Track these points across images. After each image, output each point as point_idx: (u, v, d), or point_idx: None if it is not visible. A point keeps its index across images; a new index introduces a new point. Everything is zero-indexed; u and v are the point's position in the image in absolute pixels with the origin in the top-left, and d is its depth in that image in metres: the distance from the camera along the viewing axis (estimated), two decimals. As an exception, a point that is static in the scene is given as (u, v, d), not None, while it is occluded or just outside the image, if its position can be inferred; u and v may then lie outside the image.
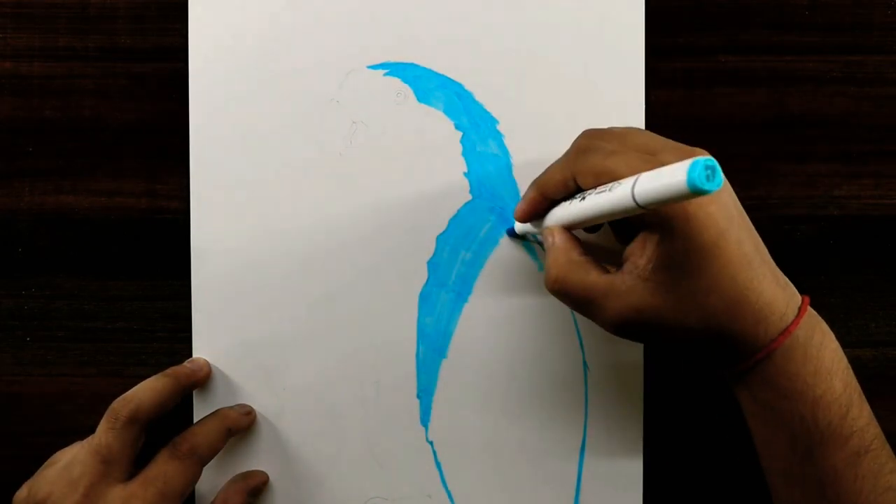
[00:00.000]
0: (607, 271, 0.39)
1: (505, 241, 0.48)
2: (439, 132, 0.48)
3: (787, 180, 0.49)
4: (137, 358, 0.49)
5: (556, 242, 0.40)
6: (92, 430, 0.44)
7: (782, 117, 0.48)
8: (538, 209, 0.42)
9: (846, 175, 0.49)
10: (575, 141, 0.41)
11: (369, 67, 0.48)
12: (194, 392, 0.49)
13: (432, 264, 0.48)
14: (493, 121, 0.48)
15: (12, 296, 0.49)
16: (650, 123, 0.48)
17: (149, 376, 0.49)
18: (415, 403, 0.49)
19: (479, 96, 0.48)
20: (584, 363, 0.48)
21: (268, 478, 0.49)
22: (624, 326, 0.38)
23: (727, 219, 0.37)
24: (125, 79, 0.49)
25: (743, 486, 0.49)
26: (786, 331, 0.38)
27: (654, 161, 0.37)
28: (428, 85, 0.48)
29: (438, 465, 0.49)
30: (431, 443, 0.49)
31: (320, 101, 0.48)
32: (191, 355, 0.49)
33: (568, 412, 0.48)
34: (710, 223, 0.37)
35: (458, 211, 0.48)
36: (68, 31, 0.48)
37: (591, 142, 0.40)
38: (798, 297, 0.40)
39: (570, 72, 0.48)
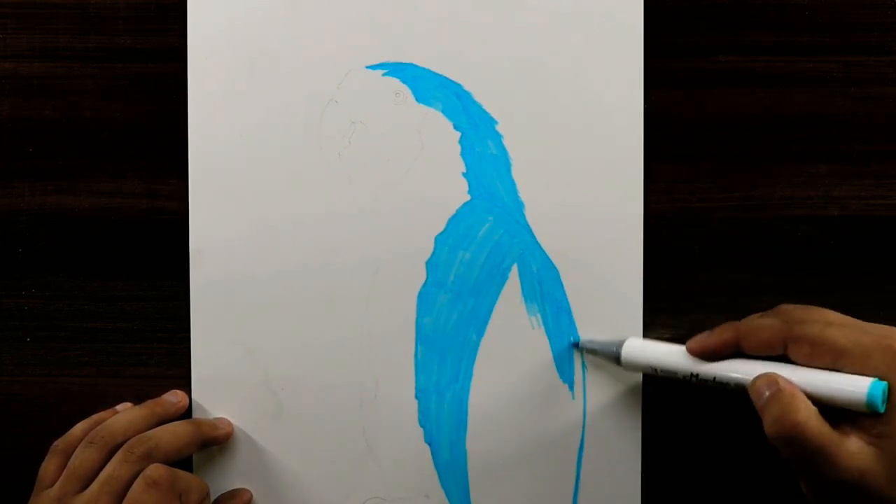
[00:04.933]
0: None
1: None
2: (438, 132, 0.48)
3: (787, 180, 0.49)
4: (137, 358, 0.49)
5: (792, 389, 0.39)
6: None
7: (782, 117, 0.48)
8: (723, 351, 0.42)
9: (846, 175, 0.48)
10: (777, 308, 0.42)
11: (368, 67, 0.48)
12: (193, 398, 0.49)
13: (431, 264, 0.48)
14: (492, 121, 0.48)
15: (12, 296, 0.49)
16: (650, 123, 0.48)
17: (148, 376, 0.49)
18: (413, 404, 0.49)
19: (478, 96, 0.48)
20: (584, 364, 0.48)
21: (251, 496, 0.49)
22: (846, 486, 0.38)
23: None
24: (125, 79, 0.49)
25: (742, 485, 0.49)
26: None
27: (869, 334, 0.39)
28: (427, 85, 0.48)
29: (436, 465, 0.49)
30: (429, 443, 0.49)
31: (319, 101, 0.48)
32: (190, 356, 0.49)
33: (568, 412, 0.48)
34: None
35: (457, 211, 0.48)
36: (68, 31, 0.49)
37: (803, 313, 0.41)
38: None
39: (569, 72, 0.48)
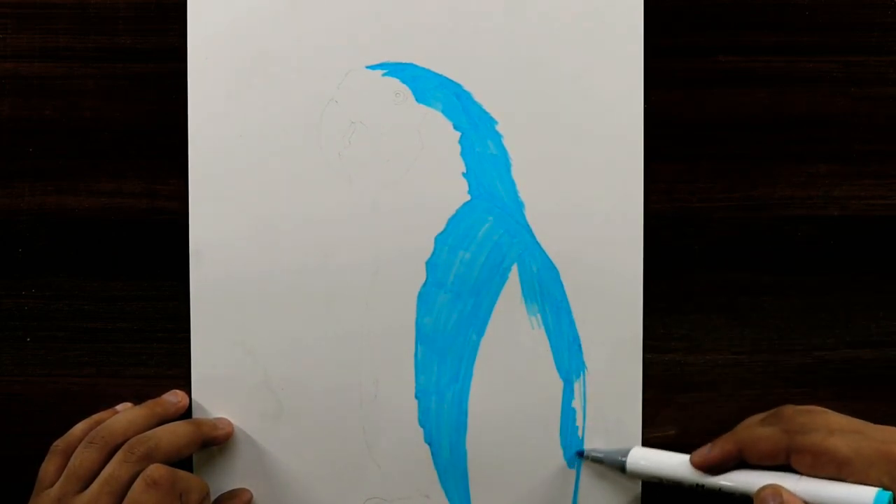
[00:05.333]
0: None
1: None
2: (438, 132, 0.48)
3: (787, 180, 0.49)
4: (137, 358, 0.49)
5: (795, 502, 0.40)
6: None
7: (782, 117, 0.48)
8: (727, 463, 0.43)
9: (846, 175, 0.48)
10: (777, 413, 0.43)
11: (368, 67, 0.48)
12: (193, 398, 0.49)
13: (431, 264, 0.48)
14: (492, 121, 0.48)
15: (12, 296, 0.49)
16: (650, 124, 0.48)
17: (148, 376, 0.49)
18: (413, 404, 0.49)
19: (478, 96, 0.48)
20: (583, 364, 0.48)
21: (251, 496, 0.49)
22: None
23: None
24: (125, 79, 0.49)
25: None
26: None
27: (870, 440, 0.39)
28: (427, 85, 0.48)
29: (436, 465, 0.49)
30: (430, 443, 0.49)
31: (319, 101, 0.48)
32: (190, 356, 0.49)
33: (566, 413, 0.48)
34: None
35: (457, 211, 0.48)
36: (68, 31, 0.49)
37: (805, 419, 0.41)
38: None
39: (568, 72, 0.48)
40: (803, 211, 0.49)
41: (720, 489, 0.43)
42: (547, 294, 0.48)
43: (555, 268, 0.48)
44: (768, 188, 0.49)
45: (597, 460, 0.48)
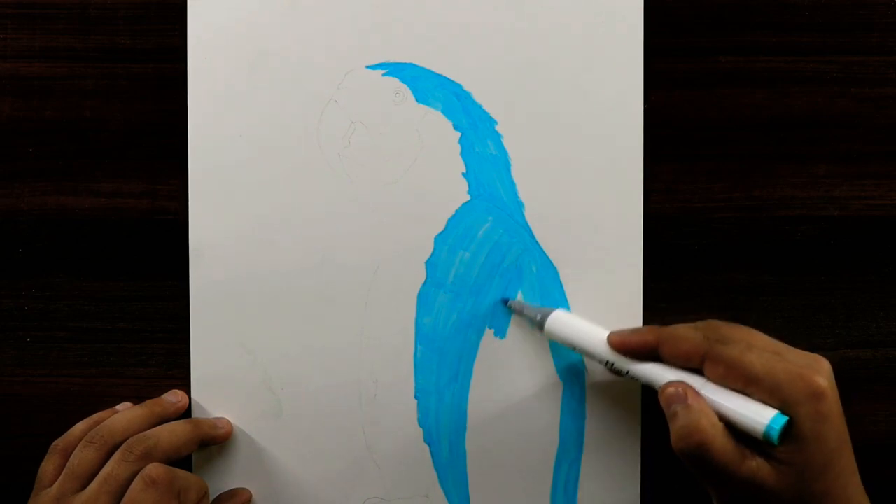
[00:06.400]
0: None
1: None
2: (438, 132, 0.48)
3: (787, 180, 0.49)
4: (137, 358, 0.49)
5: (700, 406, 0.40)
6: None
7: (782, 117, 0.48)
8: (642, 352, 0.43)
9: (846, 175, 0.48)
10: (706, 322, 0.43)
11: (368, 67, 0.48)
12: (193, 398, 0.49)
13: (430, 264, 0.48)
14: (492, 121, 0.48)
15: (12, 296, 0.49)
16: (650, 124, 0.48)
17: (148, 376, 0.49)
18: (413, 404, 0.49)
19: (478, 96, 0.48)
20: (583, 364, 0.48)
21: (250, 496, 0.49)
22: (745, 499, 0.39)
23: (845, 427, 0.39)
24: (125, 79, 0.49)
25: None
26: None
27: (786, 362, 0.39)
28: (427, 85, 0.48)
29: (436, 465, 0.49)
30: (429, 443, 0.49)
31: (319, 101, 0.48)
32: (190, 356, 0.49)
33: (566, 413, 0.48)
34: (840, 428, 0.39)
35: (457, 211, 0.48)
36: (68, 31, 0.49)
37: (728, 332, 0.41)
38: None
39: (569, 72, 0.48)
40: (803, 211, 0.49)
41: (627, 372, 0.43)
42: (547, 294, 0.48)
43: (554, 268, 0.48)
44: (768, 188, 0.49)
45: (518, 312, 0.48)
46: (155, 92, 0.49)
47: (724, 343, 0.40)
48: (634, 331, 0.44)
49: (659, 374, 0.42)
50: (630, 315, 0.48)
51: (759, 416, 0.38)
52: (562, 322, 0.46)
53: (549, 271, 0.48)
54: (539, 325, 0.46)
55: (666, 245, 0.48)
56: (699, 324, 0.43)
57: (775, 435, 0.38)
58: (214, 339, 0.49)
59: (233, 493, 0.49)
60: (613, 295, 0.48)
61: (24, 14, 0.49)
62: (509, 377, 0.48)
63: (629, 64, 0.48)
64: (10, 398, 0.50)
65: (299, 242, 0.48)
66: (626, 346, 0.43)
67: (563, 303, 0.48)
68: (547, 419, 0.48)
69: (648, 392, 0.48)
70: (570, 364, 0.48)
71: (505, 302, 0.48)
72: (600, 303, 0.48)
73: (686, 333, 0.42)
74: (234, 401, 0.49)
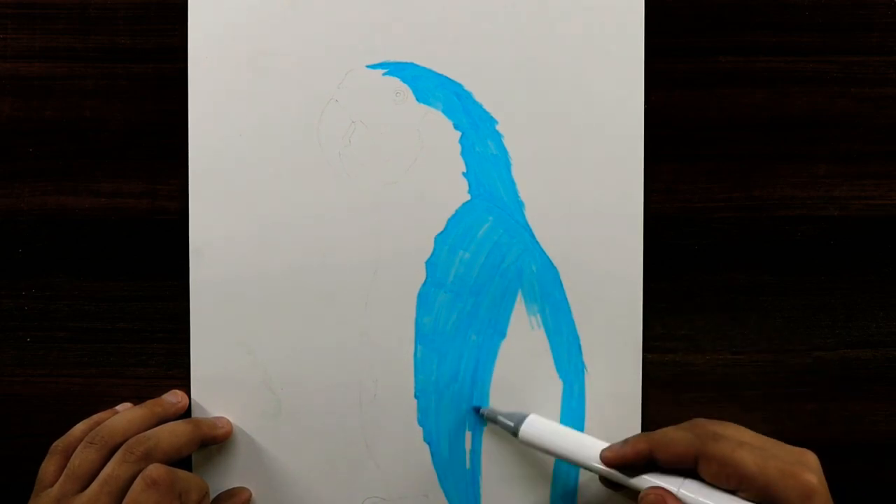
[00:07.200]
0: None
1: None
2: (438, 132, 0.48)
3: (787, 180, 0.49)
4: (137, 358, 0.49)
5: None
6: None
7: (782, 117, 0.48)
8: (637, 462, 0.42)
9: (846, 175, 0.48)
10: (692, 422, 0.43)
11: (368, 67, 0.48)
12: (193, 398, 0.49)
13: (430, 264, 0.48)
14: (493, 121, 0.48)
15: (12, 296, 0.49)
16: (650, 124, 0.48)
17: (148, 376, 0.49)
18: (412, 403, 0.49)
19: (479, 96, 0.48)
20: (583, 364, 0.48)
21: (250, 495, 0.49)
22: None
23: None
24: (125, 79, 0.49)
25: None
26: None
27: (776, 459, 0.39)
28: (427, 85, 0.48)
29: (436, 465, 0.49)
30: (429, 443, 0.49)
31: (319, 100, 0.48)
32: (190, 356, 0.49)
33: (566, 413, 0.48)
34: None
35: (457, 211, 0.48)
36: (68, 31, 0.49)
37: (716, 429, 0.41)
38: None
39: (569, 72, 0.48)
40: (803, 211, 0.49)
41: (608, 476, 0.43)
42: (547, 294, 0.48)
43: (554, 268, 0.48)
44: (768, 188, 0.49)
45: (491, 419, 0.47)
46: (155, 92, 0.49)
47: (715, 440, 0.41)
48: (625, 443, 0.43)
49: (640, 477, 0.42)
50: (630, 315, 0.48)
51: None
52: (538, 428, 0.46)
53: (549, 271, 0.48)
54: (513, 432, 0.46)
55: (666, 245, 0.49)
56: (685, 424, 0.43)
57: None
58: (214, 338, 0.49)
59: (232, 493, 0.49)
60: (613, 295, 0.48)
61: (24, 14, 0.49)
62: (510, 377, 0.48)
63: (630, 64, 0.48)
64: (10, 398, 0.50)
65: (299, 242, 0.48)
66: (623, 460, 0.43)
67: (564, 302, 0.48)
68: (547, 418, 0.48)
69: (648, 390, 0.48)
70: (571, 364, 0.48)
71: (477, 410, 0.48)
72: (600, 303, 0.48)
73: (677, 435, 0.42)
74: (233, 400, 0.49)
